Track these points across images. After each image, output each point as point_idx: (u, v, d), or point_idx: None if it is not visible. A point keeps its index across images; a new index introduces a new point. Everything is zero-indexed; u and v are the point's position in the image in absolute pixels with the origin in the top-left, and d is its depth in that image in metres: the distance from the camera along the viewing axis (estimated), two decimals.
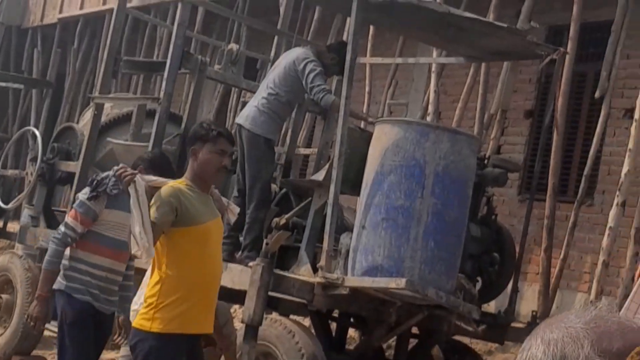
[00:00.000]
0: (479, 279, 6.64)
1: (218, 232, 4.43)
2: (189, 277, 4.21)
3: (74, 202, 5.35)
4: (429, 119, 9.59)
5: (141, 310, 4.30)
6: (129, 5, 9.21)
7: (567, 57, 8.40)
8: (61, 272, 5.00)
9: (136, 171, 4.46)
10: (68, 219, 5.01)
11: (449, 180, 5.85)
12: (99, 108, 7.77)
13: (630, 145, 7.84)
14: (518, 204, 9.58)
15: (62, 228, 4.98)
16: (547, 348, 1.35)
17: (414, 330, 6.60)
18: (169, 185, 4.29)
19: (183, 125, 7.01)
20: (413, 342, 6.67)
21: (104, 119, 8.01)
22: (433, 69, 9.83)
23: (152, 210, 4.18)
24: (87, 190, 5.02)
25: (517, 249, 6.91)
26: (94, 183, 4.97)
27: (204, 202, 4.32)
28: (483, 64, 9.24)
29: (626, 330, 1.35)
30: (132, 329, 4.37)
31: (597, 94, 8.77)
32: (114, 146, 7.67)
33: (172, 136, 7.09)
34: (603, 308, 1.42)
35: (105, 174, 5.03)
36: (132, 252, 4.11)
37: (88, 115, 8.16)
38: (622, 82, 9.02)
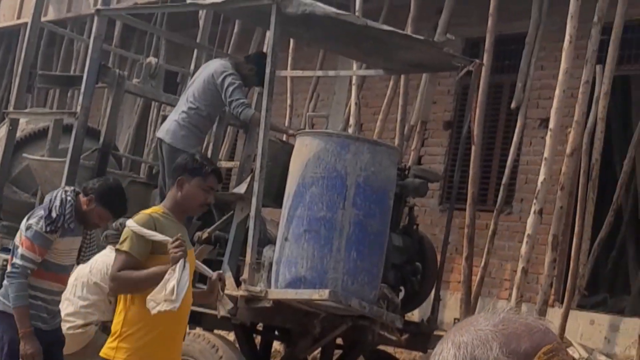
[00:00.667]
0: (402, 288, 6.69)
1: (190, 263, 4.23)
2: None
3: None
4: (350, 131, 9.66)
5: (108, 340, 4.19)
6: (44, 19, 9.07)
7: (483, 68, 8.56)
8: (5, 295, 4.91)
9: (184, 249, 4.07)
10: (25, 251, 4.84)
11: (370, 191, 5.90)
12: (14, 123, 7.61)
13: (546, 154, 8.03)
14: (439, 213, 9.72)
15: (19, 261, 4.84)
16: (458, 351, 1.37)
17: (339, 341, 6.62)
18: (144, 213, 4.17)
19: (101, 139, 6.91)
20: (337, 352, 6.69)
21: (19, 134, 7.83)
22: (353, 81, 9.92)
23: (127, 241, 4.06)
24: (42, 222, 4.85)
25: (439, 258, 6.99)
26: (54, 218, 4.81)
27: (180, 231, 4.18)
28: (402, 76, 9.36)
29: (533, 331, 1.39)
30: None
31: (513, 105, 8.97)
32: (30, 162, 7.50)
33: (90, 151, 6.98)
34: (510, 310, 1.46)
35: (57, 199, 4.87)
36: (152, 310, 3.92)
37: (3, 130, 7.97)
38: (537, 93, 9.25)
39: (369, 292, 5.82)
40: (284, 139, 7.76)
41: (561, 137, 8.23)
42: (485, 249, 8.65)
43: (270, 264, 5.83)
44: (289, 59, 10.49)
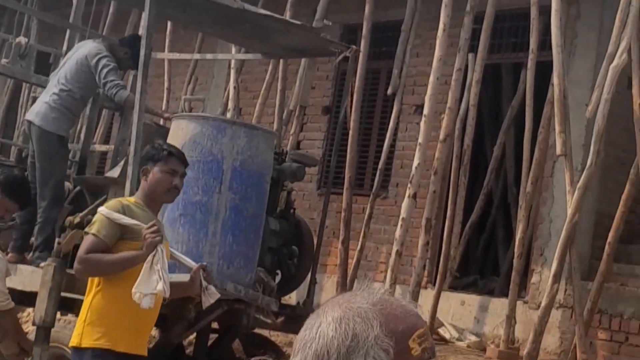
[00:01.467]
0: (278, 271, 6.73)
1: (165, 254, 4.15)
2: (124, 293, 3.94)
3: None
4: (229, 115, 9.62)
5: (76, 326, 4.13)
6: None
7: (361, 54, 8.68)
8: None
9: (161, 235, 4.05)
10: None
11: (247, 175, 5.91)
12: None
13: (420, 140, 8.21)
14: (317, 197, 9.81)
15: None
16: (339, 326, 1.39)
17: (214, 325, 6.61)
18: (116, 200, 4.19)
19: None
20: (213, 337, 6.68)
21: None
22: (232, 65, 9.88)
23: (96, 224, 4.03)
24: None
25: (316, 242, 7.07)
26: None
27: (148, 221, 4.11)
28: (281, 61, 9.38)
29: (408, 314, 1.43)
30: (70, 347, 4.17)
31: (389, 91, 9.13)
32: None
33: None
34: (385, 292, 1.49)
35: None
36: (141, 303, 3.89)
37: None
38: (413, 80, 9.44)
39: (245, 276, 5.84)
40: (161, 122, 7.67)
41: (435, 123, 8.43)
42: (362, 233, 8.79)
43: None
44: (167, 41, 10.35)
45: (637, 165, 7.43)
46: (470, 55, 8.46)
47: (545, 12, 7.94)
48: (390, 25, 9.65)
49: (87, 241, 4.05)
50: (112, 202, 4.14)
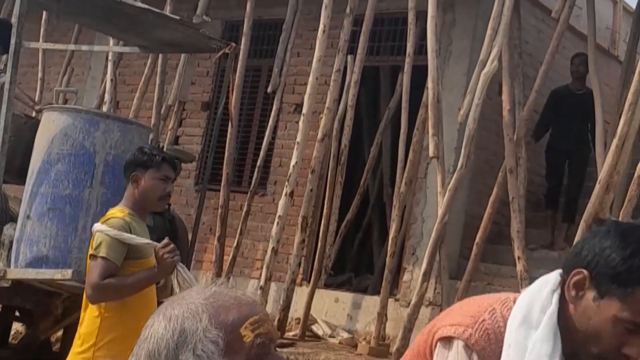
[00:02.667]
0: None
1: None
2: (132, 312, 3.72)
3: None
4: (105, 108, 9.45)
5: (78, 350, 3.76)
6: None
7: (241, 52, 8.69)
8: None
9: (178, 254, 3.77)
10: None
11: (119, 169, 5.80)
12: None
13: (299, 139, 8.29)
14: (195, 194, 9.76)
15: None
16: (168, 323, 1.42)
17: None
18: (116, 217, 3.83)
19: None
20: None
21: None
22: (110, 57, 9.70)
23: (103, 246, 3.69)
24: None
25: (191, 238, 7.03)
26: None
27: (146, 233, 3.91)
28: (161, 55, 9.28)
29: (242, 303, 1.46)
30: None
31: (269, 89, 9.17)
32: None
33: None
34: (222, 284, 1.52)
35: None
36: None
37: None
38: (293, 78, 9.51)
39: None
40: (33, 114, 7.48)
41: (314, 123, 8.53)
42: (239, 230, 8.80)
43: (11, 243, 5.61)
44: (41, 30, 10.08)
45: (504, 169, 7.72)
46: (350, 57, 8.59)
47: (422, 17, 8.15)
48: (272, 23, 9.70)
49: (98, 266, 3.70)
50: (115, 220, 3.81)
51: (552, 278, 1.88)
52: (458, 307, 1.99)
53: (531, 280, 7.64)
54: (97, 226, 3.81)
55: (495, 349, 1.84)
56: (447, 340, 1.88)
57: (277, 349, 1.52)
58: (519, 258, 7.34)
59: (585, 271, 1.79)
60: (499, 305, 1.91)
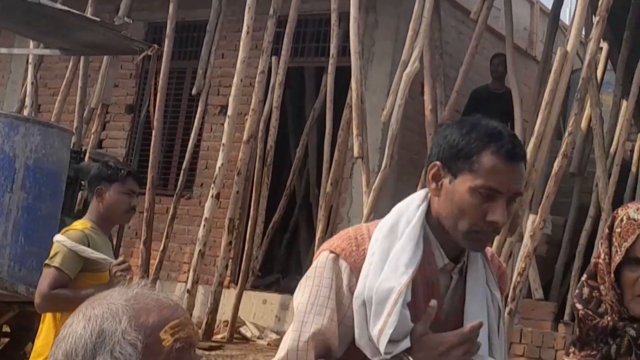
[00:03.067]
0: None
1: None
2: None
3: None
4: (26, 112, 9.29)
5: None
6: None
7: (164, 54, 8.63)
8: None
9: (131, 272, 3.74)
10: None
11: (40, 174, 5.75)
12: None
13: (224, 140, 8.27)
14: None
15: None
16: (88, 323, 1.41)
17: (5, 329, 6.37)
18: (76, 229, 3.81)
19: None
20: (5, 341, 6.44)
21: None
22: (30, 60, 9.53)
23: (58, 256, 3.68)
24: None
25: (115, 242, 6.96)
26: None
27: (107, 247, 3.89)
28: (82, 58, 9.15)
29: (163, 306, 1.46)
30: None
31: (194, 91, 9.12)
32: None
33: None
34: (145, 286, 1.52)
35: None
36: None
37: None
38: (218, 80, 9.48)
39: (38, 278, 5.65)
40: None
41: (239, 124, 8.52)
42: (165, 233, 8.74)
43: None
44: None
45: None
46: (274, 58, 8.61)
47: (345, 18, 8.21)
48: (196, 25, 9.66)
49: (49, 275, 3.72)
50: (74, 232, 3.83)
51: (419, 194, 2.00)
52: None
53: None
54: (57, 237, 3.85)
55: (361, 253, 1.93)
56: (316, 257, 1.99)
57: (205, 352, 1.53)
58: None
59: (437, 162, 1.93)
60: (365, 224, 2.05)
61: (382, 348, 1.85)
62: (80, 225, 3.89)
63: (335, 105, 8.37)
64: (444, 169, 1.92)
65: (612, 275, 1.97)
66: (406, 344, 1.86)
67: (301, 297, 1.95)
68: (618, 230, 1.97)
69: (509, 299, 6.76)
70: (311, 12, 9.06)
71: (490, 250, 2.10)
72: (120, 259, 3.75)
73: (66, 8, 6.33)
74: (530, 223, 6.84)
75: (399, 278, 1.86)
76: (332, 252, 1.95)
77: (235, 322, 8.14)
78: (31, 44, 9.03)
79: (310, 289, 1.94)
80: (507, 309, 6.74)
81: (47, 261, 3.78)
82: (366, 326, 1.88)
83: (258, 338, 8.21)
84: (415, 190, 6.97)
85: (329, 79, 8.32)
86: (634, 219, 1.95)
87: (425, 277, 1.93)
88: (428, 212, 1.96)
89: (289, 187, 9.36)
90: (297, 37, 8.80)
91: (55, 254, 3.75)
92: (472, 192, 1.89)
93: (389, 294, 1.85)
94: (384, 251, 1.91)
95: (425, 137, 7.94)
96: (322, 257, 1.96)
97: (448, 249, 1.95)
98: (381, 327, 1.85)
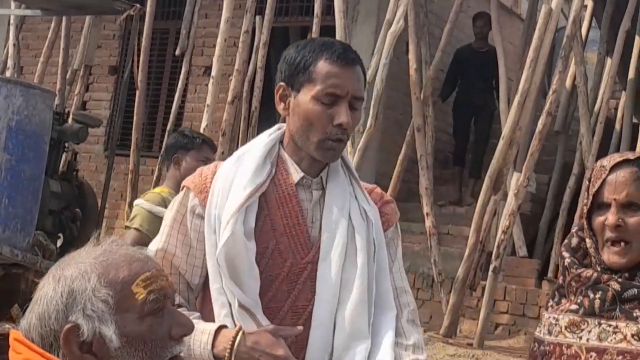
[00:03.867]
0: (60, 234, 6.58)
1: None
2: None
3: None
4: (8, 73, 9.21)
5: None
6: None
7: (147, 14, 8.55)
8: None
9: None
10: None
11: (23, 135, 5.70)
12: None
13: (208, 101, 8.21)
14: (104, 159, 9.62)
15: None
16: (57, 285, 1.41)
17: None
18: (154, 192, 3.98)
19: None
20: None
21: None
22: (12, 21, 9.43)
23: (137, 218, 3.82)
24: None
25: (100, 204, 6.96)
26: None
27: None
28: (65, 18, 9.06)
29: (132, 260, 1.46)
30: None
31: (177, 52, 9.06)
32: None
33: None
34: (113, 242, 1.51)
35: None
36: None
37: None
38: (202, 41, 9.42)
39: (23, 240, 5.66)
40: None
41: (223, 85, 8.47)
42: None
43: None
44: None
45: (412, 127, 7.84)
46: (258, 18, 8.54)
47: None
48: None
49: (129, 236, 3.83)
50: (152, 195, 3.95)
51: (275, 126, 2.11)
52: None
53: (439, 236, 7.83)
54: (136, 200, 4.01)
55: (204, 179, 2.06)
56: None
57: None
58: (427, 214, 7.49)
59: (281, 83, 2.04)
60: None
61: (220, 242, 1.94)
62: (159, 190, 4.06)
63: None
64: (288, 88, 2.03)
65: (585, 222, 1.99)
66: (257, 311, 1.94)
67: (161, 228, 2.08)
68: (592, 179, 1.99)
69: (492, 257, 6.82)
70: None
71: (373, 186, 2.19)
72: None
73: None
74: (515, 181, 6.87)
75: (239, 197, 1.97)
76: (184, 187, 2.09)
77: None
78: (12, 4, 8.93)
79: (166, 221, 2.06)
80: (492, 267, 6.80)
81: (127, 223, 3.95)
82: (214, 251, 1.97)
83: None
84: (399, 151, 6.93)
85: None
86: (603, 165, 1.97)
87: (279, 192, 2.02)
88: (284, 137, 2.06)
89: None
90: None
91: (135, 216, 3.88)
92: (315, 101, 1.98)
93: (229, 213, 1.96)
94: (228, 175, 2.01)
95: (410, 96, 7.93)
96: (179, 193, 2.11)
97: (306, 167, 2.04)
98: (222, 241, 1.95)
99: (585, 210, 1.98)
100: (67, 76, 9.31)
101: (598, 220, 1.96)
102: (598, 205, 1.96)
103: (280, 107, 2.05)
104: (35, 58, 9.77)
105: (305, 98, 1.99)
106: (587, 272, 1.96)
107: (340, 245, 2.00)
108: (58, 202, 6.48)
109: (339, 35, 7.71)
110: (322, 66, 1.98)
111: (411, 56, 7.91)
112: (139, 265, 1.45)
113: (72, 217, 6.65)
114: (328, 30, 8.18)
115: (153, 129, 9.86)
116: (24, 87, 5.94)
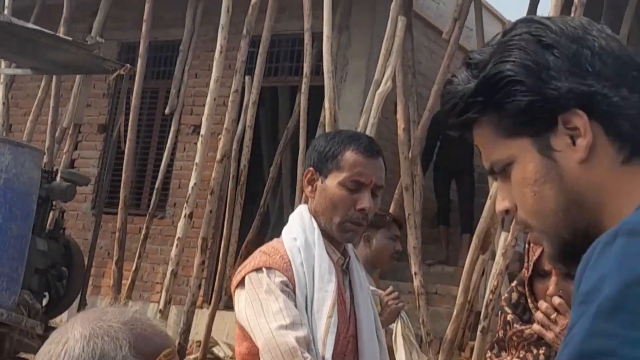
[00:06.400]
0: (46, 293, 6.53)
1: None
2: None
3: None
4: None
5: None
6: None
7: (137, 73, 8.62)
8: None
9: (402, 302, 3.87)
10: None
11: (11, 194, 5.71)
12: None
13: (197, 160, 8.24)
14: (92, 217, 9.59)
15: None
16: (87, 345, 1.39)
17: None
18: None
19: None
20: None
21: None
22: (1, 80, 9.48)
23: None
24: None
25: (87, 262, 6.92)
26: None
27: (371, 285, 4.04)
28: (54, 77, 9.12)
29: (157, 334, 1.46)
30: None
31: (167, 111, 9.11)
32: None
33: None
34: (137, 311, 1.52)
35: None
36: None
37: None
38: (191, 100, 9.48)
39: (8, 299, 5.62)
40: None
41: (212, 144, 8.50)
42: (137, 253, 8.69)
43: None
44: None
45: (401, 187, 7.86)
46: (247, 78, 8.62)
47: (318, 38, 8.24)
48: (169, 44, 9.65)
49: None
50: None
51: (301, 207, 2.31)
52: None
53: (428, 295, 7.80)
54: None
55: (286, 260, 2.19)
56: (240, 283, 2.20)
57: None
58: (415, 274, 7.48)
59: (310, 168, 2.28)
60: (269, 243, 2.33)
61: (329, 345, 2.08)
62: None
63: (309, 124, 8.38)
64: (316, 173, 2.25)
65: (527, 287, 2.07)
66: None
67: (253, 309, 2.15)
68: (533, 245, 2.03)
69: (481, 317, 6.79)
70: (284, 31, 9.09)
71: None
72: (389, 289, 3.88)
73: (38, 27, 6.32)
74: (503, 241, 6.87)
75: (328, 284, 2.16)
76: (258, 269, 2.17)
77: (208, 342, 8.10)
78: (2, 63, 8.99)
79: (263, 301, 2.15)
80: (480, 327, 6.77)
81: None
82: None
83: (231, 358, 8.16)
84: (387, 210, 6.86)
85: (303, 98, 8.33)
86: None
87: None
88: None
89: (262, 206, 9.34)
90: (270, 56, 8.82)
91: None
92: (341, 186, 2.21)
93: (324, 299, 2.13)
94: (309, 261, 2.18)
95: (399, 156, 7.97)
96: (253, 276, 2.17)
97: (336, 247, 2.28)
98: (325, 329, 2.11)
99: (526, 276, 2.04)
100: (56, 134, 9.33)
101: (539, 287, 2.04)
102: (539, 272, 2.01)
103: (307, 189, 2.28)
104: (25, 116, 9.80)
105: (332, 183, 2.22)
106: (530, 330, 2.03)
107: (370, 318, 2.25)
108: (44, 261, 6.45)
109: (327, 95, 7.78)
110: (350, 156, 2.23)
111: (399, 116, 7.97)
112: (162, 339, 1.46)
113: (59, 275, 6.61)
114: (317, 90, 8.26)
115: (141, 188, 9.86)
116: (12, 145, 5.97)
